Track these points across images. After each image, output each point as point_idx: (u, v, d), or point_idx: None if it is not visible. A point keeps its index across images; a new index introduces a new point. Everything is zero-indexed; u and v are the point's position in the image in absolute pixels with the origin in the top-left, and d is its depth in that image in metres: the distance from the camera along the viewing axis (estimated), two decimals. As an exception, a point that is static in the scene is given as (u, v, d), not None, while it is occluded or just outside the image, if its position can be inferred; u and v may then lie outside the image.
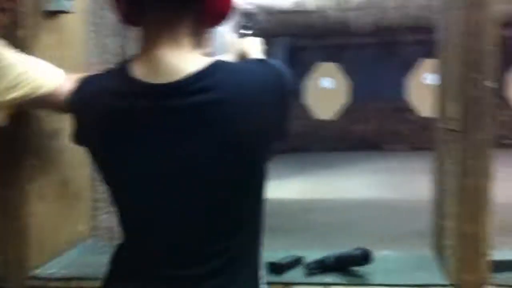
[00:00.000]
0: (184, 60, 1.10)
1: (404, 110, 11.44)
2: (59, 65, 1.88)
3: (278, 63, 1.18)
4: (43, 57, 1.80)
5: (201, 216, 1.13)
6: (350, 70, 9.85)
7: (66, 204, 1.97)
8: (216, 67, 1.09)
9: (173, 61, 1.10)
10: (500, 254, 1.86)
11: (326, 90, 8.86)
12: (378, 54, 12.00)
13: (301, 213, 6.66)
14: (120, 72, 1.13)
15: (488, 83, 1.78)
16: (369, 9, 8.51)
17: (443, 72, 1.91)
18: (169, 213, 1.13)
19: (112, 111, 1.11)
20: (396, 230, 5.69)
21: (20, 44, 1.66)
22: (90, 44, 3.80)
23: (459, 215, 1.85)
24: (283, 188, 8.26)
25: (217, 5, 1.15)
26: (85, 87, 1.18)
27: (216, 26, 1.21)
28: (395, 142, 12.31)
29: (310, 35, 10.99)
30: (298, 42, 11.06)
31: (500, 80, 8.76)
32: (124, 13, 1.16)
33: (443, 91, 1.94)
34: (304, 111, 11.95)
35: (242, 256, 1.17)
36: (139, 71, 1.11)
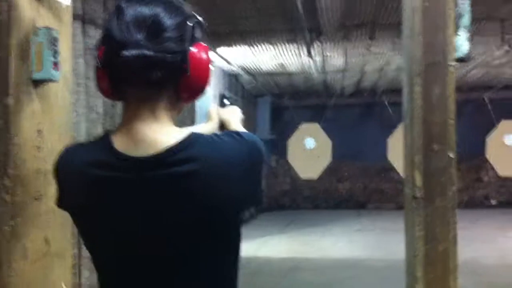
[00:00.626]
0: (163, 133, 1.15)
1: (388, 169, 11.61)
2: (48, 131, 1.97)
3: (252, 136, 1.24)
4: (31, 124, 1.88)
5: (177, 282, 1.17)
6: (332, 130, 10.05)
7: (49, 263, 2.00)
8: (193, 140, 1.15)
9: (152, 134, 1.14)
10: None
11: (309, 150, 9.00)
12: (359, 115, 12.26)
13: (287, 272, 6.63)
14: (102, 143, 1.18)
15: (451, 154, 1.89)
16: (350, 71, 8.76)
17: (409, 144, 2.02)
18: (146, 280, 1.17)
19: (93, 180, 1.15)
20: (378, 291, 5.70)
21: (8, 111, 1.74)
22: (79, 104, 3.92)
23: (427, 279, 1.91)
24: (269, 246, 8.24)
25: (193, 81, 1.18)
26: (68, 155, 1.23)
27: (192, 100, 1.26)
28: (380, 201, 12.40)
29: (293, 95, 11.24)
30: (281, 102, 11.28)
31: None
32: (105, 88, 1.21)
33: (409, 160, 2.04)
34: (289, 169, 12.09)
35: None
36: (120, 143, 1.15)
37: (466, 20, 1.83)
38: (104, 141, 1.19)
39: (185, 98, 1.22)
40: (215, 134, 1.23)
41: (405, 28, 1.91)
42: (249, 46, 6.54)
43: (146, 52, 1.10)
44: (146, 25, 1.13)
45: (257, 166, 1.22)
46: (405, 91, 1.94)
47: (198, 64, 1.19)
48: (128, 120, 1.18)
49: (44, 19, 1.89)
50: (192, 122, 5.78)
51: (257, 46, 6.56)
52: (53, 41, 1.85)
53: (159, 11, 1.15)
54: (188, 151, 1.13)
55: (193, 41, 1.19)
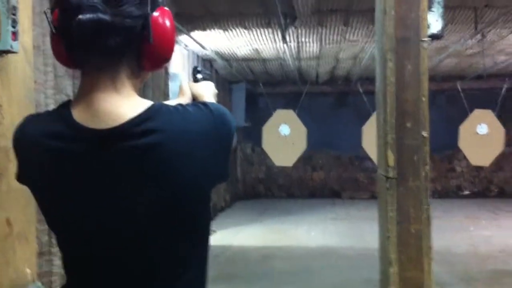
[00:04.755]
0: (123, 104, 1.10)
1: (363, 158, 11.68)
2: (7, 104, 1.87)
3: (219, 106, 1.18)
4: (-11, 98, 1.79)
5: (141, 260, 1.12)
6: (307, 118, 10.04)
7: (11, 246, 1.92)
8: (156, 111, 1.09)
9: (113, 106, 1.09)
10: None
11: (284, 137, 8.97)
12: (333, 103, 12.28)
13: (260, 261, 6.61)
14: (61, 114, 1.12)
15: (424, 133, 1.85)
16: (324, 58, 8.75)
17: (381, 122, 1.98)
18: (109, 257, 1.12)
19: (51, 153, 1.10)
20: (351, 278, 5.70)
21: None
22: (47, 85, 3.80)
23: (401, 261, 1.88)
24: (243, 234, 8.22)
25: (156, 49, 1.12)
26: (26, 127, 1.16)
27: (156, 69, 1.20)
28: (355, 190, 12.47)
29: (268, 82, 11.20)
30: (256, 89, 11.23)
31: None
32: (61, 55, 1.14)
33: (382, 139, 2.01)
34: (264, 158, 12.08)
35: None
36: (79, 115, 1.10)
37: (440, -5, 1.79)
38: (62, 112, 1.12)
39: (147, 67, 1.15)
40: (180, 104, 1.16)
41: (378, 3, 1.86)
42: (223, 30, 6.46)
43: (102, 16, 1.04)
44: None
45: (225, 139, 1.16)
46: (378, 68, 1.90)
47: (161, 30, 1.12)
48: (87, 91, 1.11)
49: (1, -14, 1.79)
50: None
51: (231, 30, 6.48)
52: (12, 10, 1.76)
53: None
54: (150, 122, 1.07)
55: (155, 5, 1.12)
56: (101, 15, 1.03)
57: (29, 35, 1.94)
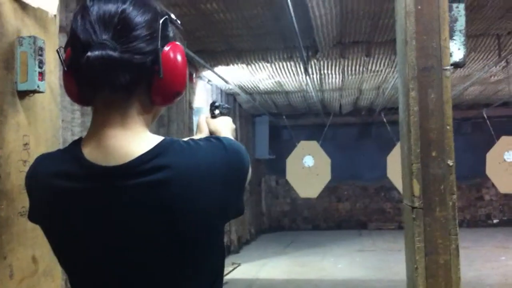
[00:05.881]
0: (134, 141, 1.08)
1: (388, 188, 11.54)
2: (34, 144, 1.91)
3: (233, 141, 1.17)
4: (17, 137, 1.82)
5: None
6: (331, 149, 10.00)
7: (37, 283, 1.93)
8: (166, 147, 1.08)
9: (123, 143, 1.08)
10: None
11: (308, 168, 8.94)
12: (357, 133, 12.24)
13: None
14: (71, 152, 1.12)
15: (449, 162, 1.83)
16: (347, 90, 8.76)
17: (406, 152, 1.96)
18: None
19: (61, 192, 1.09)
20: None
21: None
22: (74, 123, 3.88)
23: (429, 293, 1.84)
24: (268, 267, 8.14)
25: (167, 85, 1.10)
26: (37, 167, 1.16)
27: (168, 104, 1.18)
28: (381, 221, 12.30)
29: (291, 114, 11.22)
30: (279, 121, 11.26)
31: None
32: (73, 92, 1.13)
33: (407, 169, 1.98)
34: (289, 190, 12.02)
35: None
36: (89, 152, 1.09)
37: (461, 24, 1.79)
38: (73, 150, 1.12)
39: (158, 102, 1.14)
40: (192, 139, 1.14)
41: (399, 32, 1.86)
42: (246, 64, 6.53)
43: (111, 53, 1.03)
44: (112, 23, 1.05)
45: (238, 174, 1.14)
46: (401, 98, 1.89)
47: (172, 66, 1.10)
48: (97, 127, 1.10)
49: (29, 28, 1.85)
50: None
51: (254, 64, 6.55)
52: (39, 51, 1.81)
53: (125, 7, 1.07)
54: (159, 159, 1.05)
55: (166, 40, 1.11)
56: (110, 52, 1.03)
57: (55, 74, 1.99)
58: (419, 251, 1.87)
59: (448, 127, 1.81)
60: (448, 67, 1.76)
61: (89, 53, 1.03)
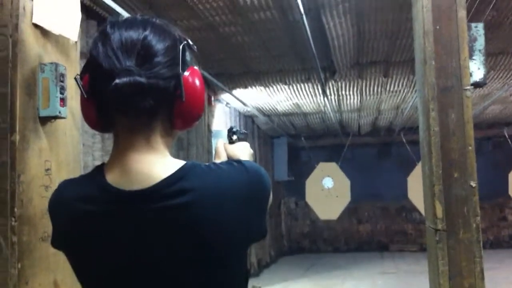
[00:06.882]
0: (158, 164, 1.09)
1: (410, 209, 11.40)
2: (56, 168, 1.93)
3: (254, 164, 1.18)
4: (39, 162, 1.84)
5: None
6: (350, 170, 9.93)
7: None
8: (188, 170, 1.09)
9: (147, 166, 1.09)
10: None
11: (328, 190, 8.89)
12: (376, 154, 12.14)
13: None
14: (94, 178, 1.13)
15: (472, 183, 1.80)
16: (365, 110, 8.73)
17: (427, 173, 1.94)
18: None
19: (81, 216, 1.10)
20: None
21: (14, 148, 1.71)
22: (95, 147, 3.91)
23: (454, 317, 1.81)
24: (289, 290, 8.07)
25: (188, 108, 1.13)
26: (61, 192, 1.18)
27: (188, 127, 1.20)
28: (403, 243, 12.13)
29: (309, 135, 11.20)
30: (298, 143, 11.24)
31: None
32: (92, 119, 1.15)
33: (429, 190, 1.96)
34: (308, 211, 11.94)
35: None
36: (112, 177, 1.10)
37: (480, 43, 1.77)
38: (96, 175, 1.13)
39: (179, 126, 1.16)
40: (213, 163, 1.16)
41: (417, 52, 1.85)
42: (264, 87, 6.55)
43: (139, 79, 1.04)
44: (135, 50, 1.07)
45: (260, 196, 1.14)
46: (421, 118, 1.87)
47: (192, 90, 1.13)
48: (121, 152, 1.12)
49: (51, 55, 1.88)
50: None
51: (271, 86, 6.57)
52: (60, 77, 1.83)
53: (147, 34, 1.09)
54: (182, 182, 1.06)
55: (185, 65, 1.14)
56: (138, 78, 1.05)
57: (77, 100, 2.01)
58: (443, 275, 1.84)
59: (469, 148, 1.79)
60: (468, 87, 1.75)
61: (117, 80, 1.04)
